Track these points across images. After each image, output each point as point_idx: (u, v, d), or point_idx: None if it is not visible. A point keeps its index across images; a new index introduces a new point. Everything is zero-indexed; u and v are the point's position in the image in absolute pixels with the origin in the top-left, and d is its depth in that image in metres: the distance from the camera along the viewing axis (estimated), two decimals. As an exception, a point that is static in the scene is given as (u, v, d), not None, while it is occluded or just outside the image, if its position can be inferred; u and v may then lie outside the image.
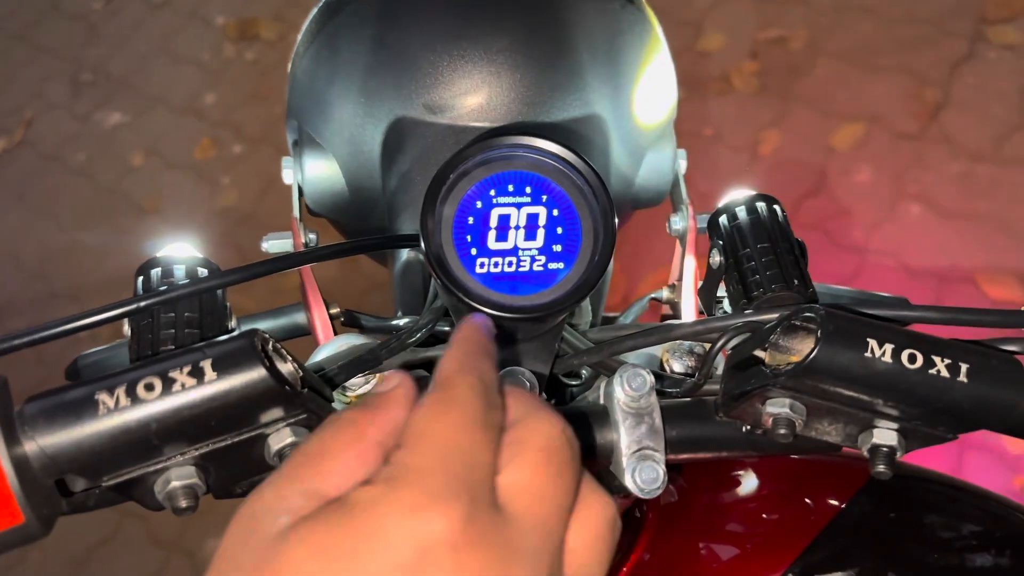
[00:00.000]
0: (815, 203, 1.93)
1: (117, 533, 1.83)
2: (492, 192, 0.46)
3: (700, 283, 0.57)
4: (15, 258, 2.34)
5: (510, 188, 0.46)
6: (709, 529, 0.53)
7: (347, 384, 0.52)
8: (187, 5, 2.77)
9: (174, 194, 2.37)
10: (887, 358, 0.40)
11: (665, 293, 0.64)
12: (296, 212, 0.61)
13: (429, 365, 0.54)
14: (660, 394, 0.49)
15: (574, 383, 0.55)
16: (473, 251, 0.45)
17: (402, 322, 0.58)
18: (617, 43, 0.59)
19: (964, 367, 0.40)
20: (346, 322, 0.60)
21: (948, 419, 0.41)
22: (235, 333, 0.40)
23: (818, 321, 0.41)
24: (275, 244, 0.60)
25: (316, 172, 0.61)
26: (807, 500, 0.53)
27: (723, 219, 0.52)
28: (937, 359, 0.40)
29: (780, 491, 0.54)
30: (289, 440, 0.40)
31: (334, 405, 0.53)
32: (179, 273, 0.47)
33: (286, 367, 0.41)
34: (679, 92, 0.67)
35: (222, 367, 0.37)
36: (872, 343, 0.40)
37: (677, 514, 0.54)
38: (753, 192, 0.53)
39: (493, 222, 0.46)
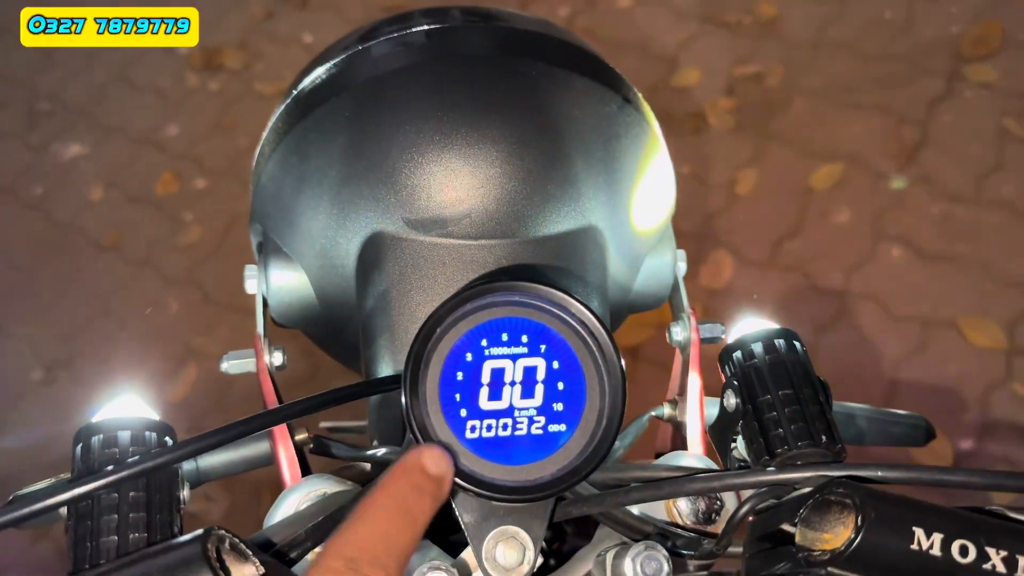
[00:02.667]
0: (794, 244, 1.90)
1: None
2: (484, 342, 0.40)
3: (708, 416, 0.52)
4: (-34, 297, 2.23)
5: (504, 337, 0.41)
6: None
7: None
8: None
9: (134, 230, 2.28)
10: (936, 551, 0.35)
11: (666, 410, 0.58)
12: (260, 328, 0.55)
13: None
14: (672, 553, 0.44)
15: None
16: (463, 412, 0.40)
17: (380, 452, 0.52)
18: (614, 148, 0.54)
19: (1022, 561, 0.36)
20: (315, 450, 0.54)
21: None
22: (187, 538, 0.34)
23: (856, 502, 0.36)
24: (235, 364, 0.54)
25: (283, 283, 0.55)
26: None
27: (737, 355, 0.47)
28: (992, 551, 0.36)
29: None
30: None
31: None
32: (124, 440, 0.41)
33: (246, 570, 0.35)
34: (678, 190, 0.62)
35: (169, 583, 0.32)
36: (919, 533, 0.36)
37: None
38: (770, 326, 0.48)
39: (485, 377, 0.40)
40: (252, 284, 0.56)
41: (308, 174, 0.52)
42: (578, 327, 0.41)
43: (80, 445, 0.41)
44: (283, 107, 0.55)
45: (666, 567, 0.39)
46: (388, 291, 0.51)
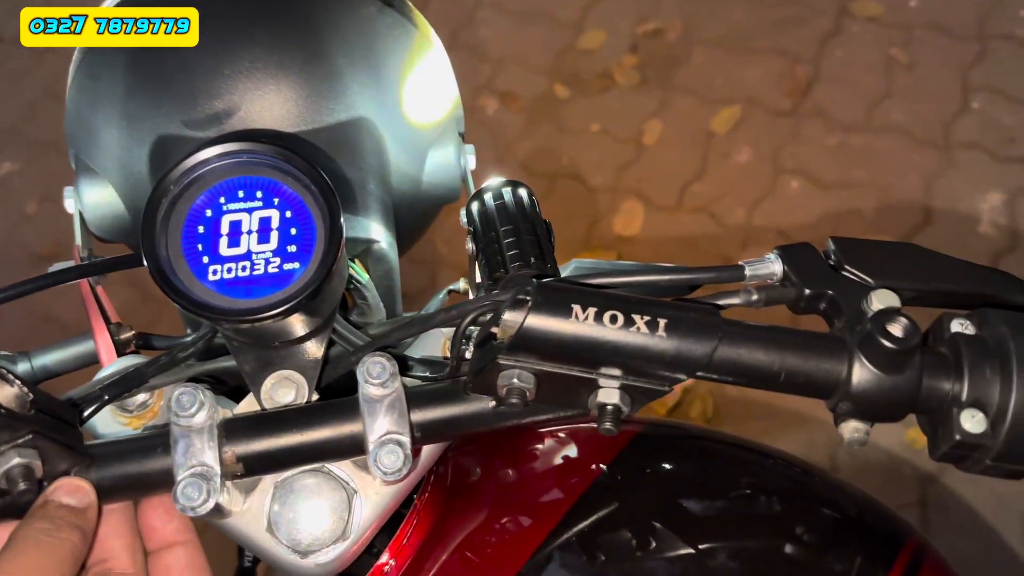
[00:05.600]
0: (699, 187, 1.98)
1: None
2: (222, 200, 0.47)
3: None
4: (-90, 320, 2.27)
5: (240, 194, 0.47)
6: (476, 503, 0.55)
7: (124, 404, 0.53)
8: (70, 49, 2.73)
9: (71, 240, 2.32)
10: (590, 320, 0.42)
11: (462, 284, 0.65)
12: (78, 240, 0.61)
13: (211, 377, 0.55)
14: (423, 379, 0.51)
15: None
16: (205, 259, 0.46)
17: (189, 338, 0.58)
18: (376, 47, 0.61)
19: (662, 322, 0.42)
20: (141, 344, 0.61)
21: (656, 372, 0.43)
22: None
23: (531, 292, 0.43)
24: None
25: (94, 198, 0.61)
26: (574, 465, 0.55)
27: (474, 206, 0.54)
28: (637, 317, 0.43)
29: (550, 460, 0.56)
30: (14, 462, 0.41)
31: (111, 426, 0.53)
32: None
33: (10, 391, 0.41)
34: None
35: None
36: (576, 308, 0.42)
37: (457, 491, 0.56)
38: (503, 179, 0.55)
39: (224, 228, 0.47)
40: (69, 204, 0.62)
41: (100, 92, 0.59)
42: (306, 180, 0.47)
43: None
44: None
45: (390, 367, 0.46)
46: (178, 188, 0.57)
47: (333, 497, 0.49)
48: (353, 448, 0.47)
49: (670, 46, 2.23)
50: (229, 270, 0.46)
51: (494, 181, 0.55)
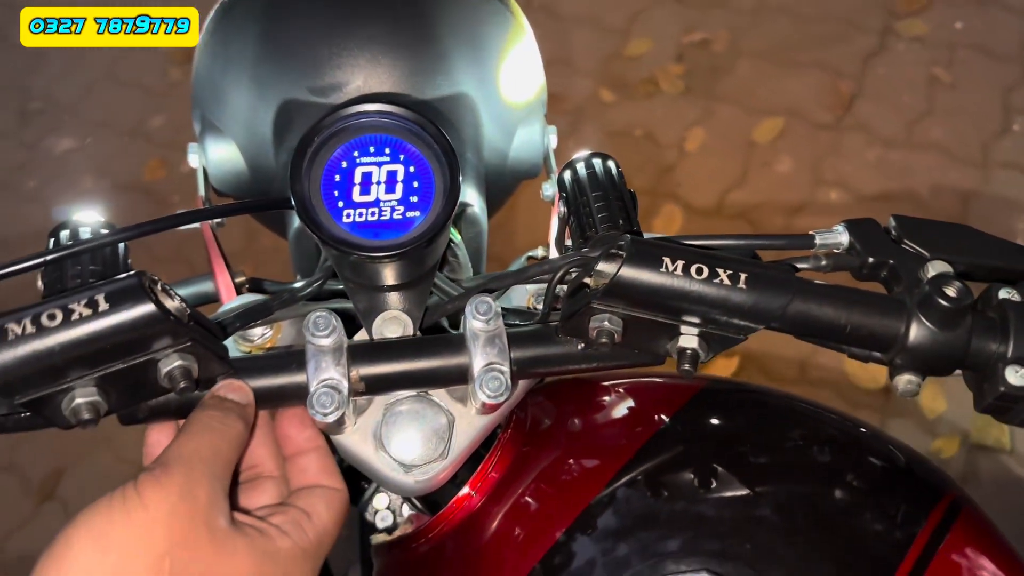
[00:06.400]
0: (739, 194, 2.03)
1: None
2: (356, 154, 0.53)
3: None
4: (-32, 285, 2.37)
5: (371, 150, 0.54)
6: (555, 445, 0.61)
7: (246, 335, 0.60)
8: (133, 32, 2.83)
9: (125, 214, 2.41)
10: (679, 271, 0.48)
11: (540, 251, 0.71)
12: (202, 191, 0.68)
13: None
14: (517, 325, 0.57)
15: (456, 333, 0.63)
16: (340, 204, 0.53)
17: (299, 284, 0.65)
18: (480, 31, 0.67)
19: (743, 276, 0.48)
20: (251, 288, 0.67)
21: (734, 321, 0.49)
22: (124, 275, 0.47)
23: (625, 247, 0.49)
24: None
25: (218, 155, 0.68)
26: (639, 415, 0.61)
27: (566, 174, 0.60)
28: (720, 271, 0.48)
29: (619, 408, 0.62)
30: (176, 363, 0.47)
31: (234, 352, 0.60)
32: (85, 234, 0.54)
33: (173, 303, 0.48)
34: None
35: (114, 300, 0.44)
36: (666, 260, 0.48)
37: (534, 432, 0.62)
38: (591, 151, 0.61)
39: (357, 179, 0.53)
40: (194, 159, 0.69)
41: (231, 59, 0.66)
42: (427, 139, 0.53)
43: (52, 238, 0.54)
44: (212, 12, 0.69)
45: (495, 306, 0.52)
46: (298, 147, 0.64)
47: (436, 420, 0.55)
48: (458, 376, 0.53)
49: (715, 56, 2.29)
50: (360, 214, 0.53)
51: (583, 153, 0.61)
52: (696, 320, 0.50)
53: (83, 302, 0.44)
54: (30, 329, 0.43)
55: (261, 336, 0.60)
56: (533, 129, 0.72)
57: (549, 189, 0.72)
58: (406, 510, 0.68)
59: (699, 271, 0.48)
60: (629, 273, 0.48)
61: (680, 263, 0.48)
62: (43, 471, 1.91)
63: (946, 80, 2.11)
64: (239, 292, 0.66)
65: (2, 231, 2.48)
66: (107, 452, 1.89)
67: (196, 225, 0.65)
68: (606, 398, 0.63)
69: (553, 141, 0.74)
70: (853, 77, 2.16)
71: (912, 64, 2.16)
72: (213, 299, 0.69)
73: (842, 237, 0.54)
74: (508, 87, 0.70)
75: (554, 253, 0.68)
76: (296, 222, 0.66)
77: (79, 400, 0.46)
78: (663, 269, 0.48)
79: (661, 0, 2.43)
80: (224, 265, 0.64)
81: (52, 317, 0.44)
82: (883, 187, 1.98)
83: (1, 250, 2.44)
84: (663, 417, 0.60)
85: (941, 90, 2.10)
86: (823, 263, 0.53)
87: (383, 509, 0.69)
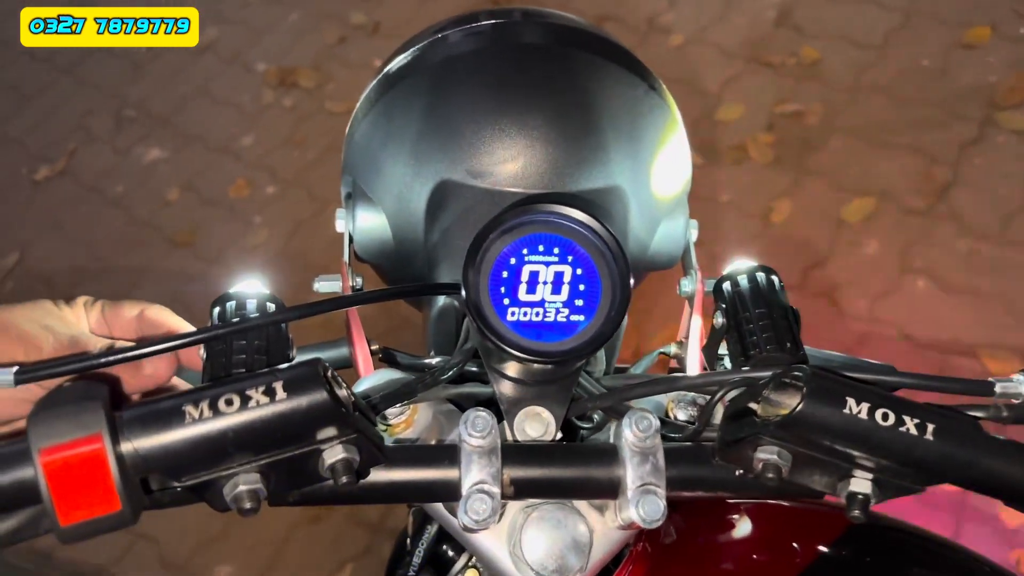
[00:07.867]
0: (823, 272, 1.99)
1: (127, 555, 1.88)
2: (525, 251, 0.53)
3: (705, 341, 0.63)
4: (47, 281, 2.42)
5: (540, 248, 0.53)
6: (697, 566, 0.59)
7: (386, 413, 0.59)
8: (229, 51, 2.90)
9: (206, 230, 2.46)
10: (863, 415, 0.46)
11: (673, 348, 0.70)
12: (346, 257, 0.68)
13: (459, 400, 0.60)
14: (664, 438, 0.55)
15: (586, 426, 0.61)
16: (506, 301, 0.52)
17: (434, 361, 0.64)
18: (639, 124, 0.66)
19: (931, 427, 0.46)
20: (383, 358, 0.67)
21: (916, 472, 0.47)
22: (299, 360, 0.47)
23: (804, 379, 0.47)
24: (325, 285, 0.67)
25: (366, 223, 0.68)
26: (791, 544, 0.58)
27: (727, 285, 0.58)
28: (907, 418, 0.46)
29: (766, 535, 0.60)
30: (341, 456, 0.46)
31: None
32: (250, 306, 0.54)
33: (341, 393, 0.47)
34: (693, 166, 0.74)
35: (292, 389, 0.44)
36: (851, 401, 0.46)
37: (670, 549, 0.60)
38: (755, 263, 0.59)
39: (524, 277, 0.52)
40: (341, 224, 0.69)
41: (392, 132, 0.66)
42: (597, 242, 0.52)
43: (217, 308, 0.54)
44: (375, 82, 0.69)
45: (655, 423, 0.51)
46: (451, 227, 0.64)
47: (577, 531, 0.53)
48: (608, 489, 0.51)
49: (807, 129, 2.27)
50: (525, 313, 0.52)
51: (744, 264, 0.60)
52: (870, 464, 0.48)
53: (261, 389, 0.44)
54: (207, 413, 0.43)
55: (398, 415, 0.59)
56: (677, 223, 0.71)
57: (688, 285, 0.70)
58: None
59: (885, 416, 0.46)
60: (810, 409, 0.46)
61: (865, 405, 0.46)
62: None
63: (1047, 177, 2.06)
64: (373, 363, 0.65)
65: (85, 234, 2.54)
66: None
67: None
68: (747, 520, 0.61)
69: (694, 235, 0.73)
70: (948, 164, 2.12)
71: (1011, 158, 2.11)
72: (345, 365, 0.68)
73: (1023, 387, 0.52)
74: (659, 180, 0.69)
75: (693, 358, 0.66)
76: (440, 301, 0.66)
77: (242, 487, 0.45)
78: (847, 410, 0.46)
79: (756, 68, 2.42)
80: (363, 337, 0.64)
81: (230, 403, 0.43)
82: (973, 281, 1.93)
83: (83, 250, 2.50)
84: (820, 549, 0.57)
85: (1041, 187, 2.05)
86: (1004, 414, 0.51)
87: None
